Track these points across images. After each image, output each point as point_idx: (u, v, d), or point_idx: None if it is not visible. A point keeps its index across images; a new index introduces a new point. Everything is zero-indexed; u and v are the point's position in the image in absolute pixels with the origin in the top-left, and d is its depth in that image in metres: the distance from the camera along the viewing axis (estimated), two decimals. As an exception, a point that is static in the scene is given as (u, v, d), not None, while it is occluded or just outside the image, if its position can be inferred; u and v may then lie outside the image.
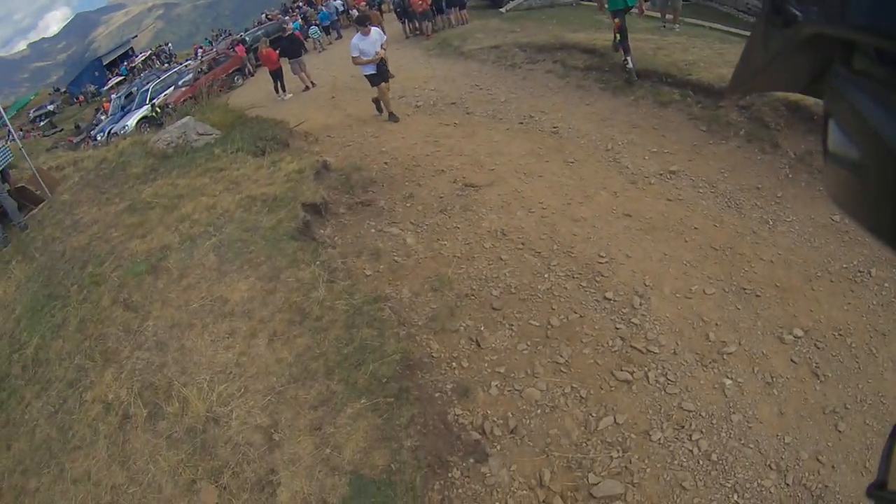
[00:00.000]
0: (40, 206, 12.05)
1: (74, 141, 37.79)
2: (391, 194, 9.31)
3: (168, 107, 28.89)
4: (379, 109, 13.92)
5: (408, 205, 8.93)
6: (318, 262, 7.02)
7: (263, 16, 51.43)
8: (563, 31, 17.20)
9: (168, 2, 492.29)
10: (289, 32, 25.61)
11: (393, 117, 13.26)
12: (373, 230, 8.36)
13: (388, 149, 11.28)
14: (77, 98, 63.62)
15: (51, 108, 62.66)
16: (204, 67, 32.04)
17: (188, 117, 12.84)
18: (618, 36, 12.37)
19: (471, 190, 9.12)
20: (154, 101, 31.08)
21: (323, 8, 35.87)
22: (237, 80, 31.11)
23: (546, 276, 7.02)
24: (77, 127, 44.63)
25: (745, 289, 6.61)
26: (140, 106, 32.30)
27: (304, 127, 13.62)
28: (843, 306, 6.32)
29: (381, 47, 12.82)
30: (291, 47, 22.36)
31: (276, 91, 22.43)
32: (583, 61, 13.62)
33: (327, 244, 7.85)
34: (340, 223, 8.55)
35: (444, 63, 18.06)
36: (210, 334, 6.45)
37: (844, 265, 6.81)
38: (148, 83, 36.15)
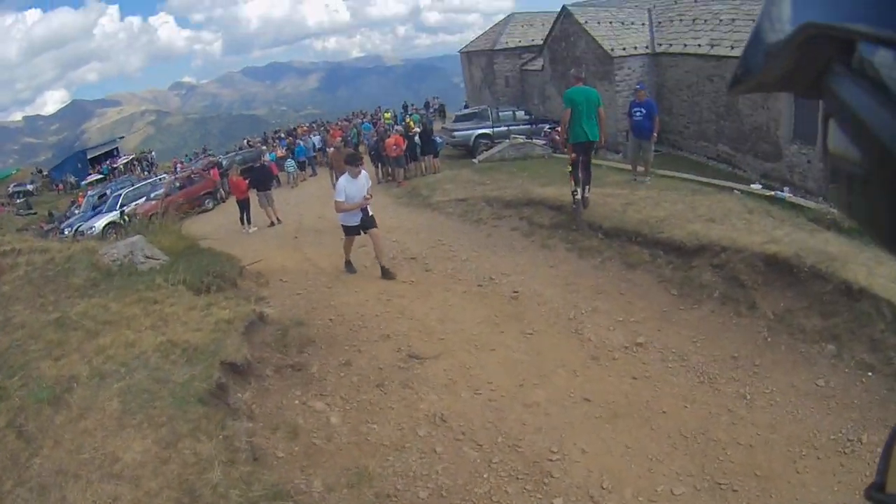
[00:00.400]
0: None
1: (45, 228, 38.29)
2: (327, 359, 8.59)
3: (136, 217, 28.75)
4: (349, 266, 12.94)
5: (342, 374, 8.20)
6: (221, 436, 6.17)
7: (245, 141, 52.43)
8: (533, 184, 17.22)
9: (161, 110, 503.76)
10: (260, 163, 25.64)
11: (387, 273, 12.11)
12: (297, 401, 7.55)
13: (337, 303, 10.70)
14: (57, 185, 63.84)
15: (30, 187, 62.89)
16: (176, 185, 32.41)
17: (138, 236, 12.31)
18: (570, 167, 12.51)
19: (415, 362, 8.42)
20: (124, 208, 31.62)
21: (301, 142, 36.29)
22: (208, 203, 31.48)
23: (486, 475, 6.20)
24: (50, 214, 45.00)
25: (720, 483, 5.83)
26: (110, 210, 32.99)
27: (258, 266, 13.25)
28: (834, 486, 5.64)
29: (368, 193, 12.01)
30: (262, 179, 22.30)
31: (242, 222, 22.17)
32: (549, 218, 13.44)
33: (242, 412, 7.02)
34: (263, 388, 7.78)
35: (411, 214, 18.02)
36: (92, 494, 5.57)
37: (832, 436, 6.14)
38: (122, 188, 36.87)
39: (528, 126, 32.47)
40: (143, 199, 32.37)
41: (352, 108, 79.69)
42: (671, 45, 29.77)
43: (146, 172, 56.31)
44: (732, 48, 24.97)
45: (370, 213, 12.05)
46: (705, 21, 28.57)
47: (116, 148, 77.50)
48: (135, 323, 8.63)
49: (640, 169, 17.43)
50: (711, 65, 26.54)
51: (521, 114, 34.09)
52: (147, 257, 11.48)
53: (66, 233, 33.40)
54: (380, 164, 26.82)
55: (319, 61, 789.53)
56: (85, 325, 8.74)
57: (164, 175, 42.84)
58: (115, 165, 64.63)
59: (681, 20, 30.63)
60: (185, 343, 7.79)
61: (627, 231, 11.28)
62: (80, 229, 32.50)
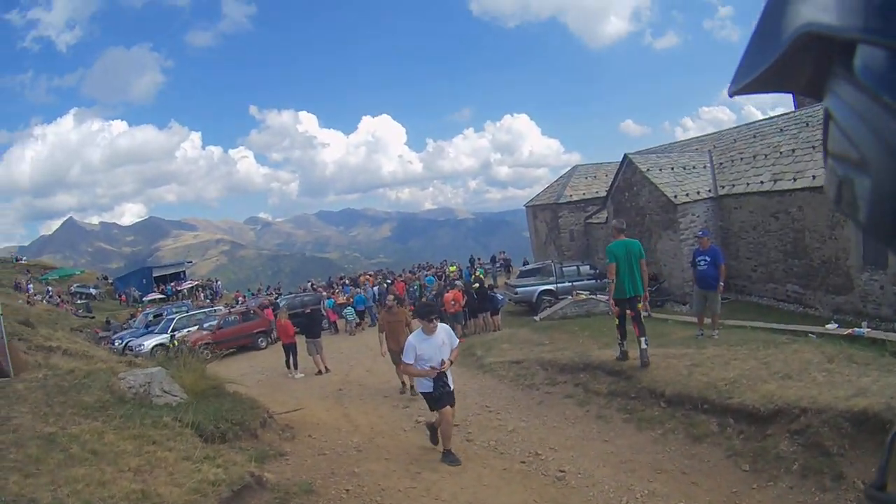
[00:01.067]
0: None
1: (100, 335, 38.52)
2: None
3: (185, 344, 28.59)
4: (433, 439, 10.68)
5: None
6: None
7: (310, 284, 52.09)
8: (593, 345, 16.35)
9: (235, 241, 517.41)
10: (309, 309, 24.88)
11: (450, 457, 9.91)
12: None
13: (361, 470, 9.45)
14: (120, 295, 64.75)
15: (93, 291, 64.00)
16: (230, 318, 32.03)
17: (159, 369, 11.52)
18: (616, 321, 12.08)
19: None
20: (176, 332, 31.58)
21: (360, 291, 35.67)
22: (260, 341, 30.95)
23: None
24: (108, 322, 44.88)
25: None
26: (162, 332, 32.86)
27: (292, 416, 12.41)
28: None
29: (451, 355, 9.80)
30: (310, 325, 21.60)
31: (288, 367, 21.56)
32: (606, 385, 12.11)
33: None
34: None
35: (462, 375, 16.54)
36: None
37: None
38: (177, 313, 37.19)
39: (593, 281, 31.21)
40: (196, 327, 32.31)
41: (423, 258, 79.52)
42: (734, 185, 28.95)
43: (209, 300, 56.68)
44: (795, 180, 24.43)
45: (449, 384, 9.86)
46: (766, 156, 28.03)
47: (184, 272, 78.92)
48: (121, 460, 7.65)
49: (708, 322, 16.09)
50: (775, 201, 25.74)
51: (585, 268, 32.87)
52: (164, 391, 10.65)
53: (117, 344, 33.48)
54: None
55: (393, 211, 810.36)
56: (72, 448, 7.81)
57: (221, 307, 42.78)
58: (179, 288, 65.60)
59: (741, 158, 30.04)
60: (157, 499, 6.69)
61: (693, 397, 9.95)
62: (129, 344, 32.48)
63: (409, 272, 48.08)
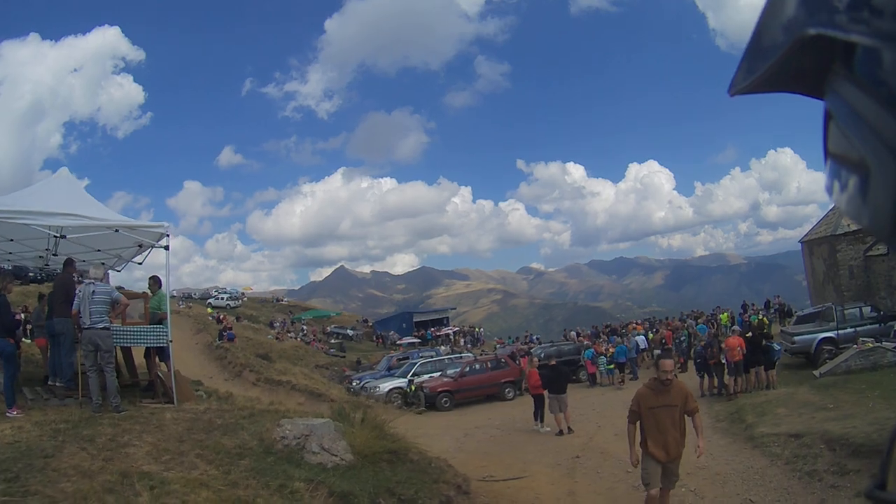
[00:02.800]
0: (156, 402, 11.55)
1: (346, 373, 38.95)
2: None
3: (423, 390, 27.59)
4: None
5: None
6: None
7: (573, 333, 48.54)
8: (885, 409, 13.15)
9: (508, 290, 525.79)
10: (554, 362, 21.08)
11: None
12: None
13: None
14: (378, 338, 66.11)
15: (350, 332, 65.66)
16: (476, 367, 29.63)
17: (326, 421, 9.60)
18: None
19: None
20: (414, 377, 30.03)
21: (623, 341, 31.80)
22: (507, 391, 28.29)
23: None
24: (358, 362, 45.32)
25: None
26: (403, 375, 31.31)
27: (505, 486, 10.83)
28: None
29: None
30: (553, 379, 18.73)
31: (535, 418, 19.17)
32: None
33: None
34: None
35: (725, 449, 13.51)
36: None
37: None
38: (423, 358, 35.58)
39: (876, 325, 25.37)
40: (439, 373, 30.20)
41: (696, 306, 74.26)
42: None
43: (469, 346, 55.50)
44: None
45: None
46: None
47: (447, 318, 79.62)
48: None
49: None
50: None
51: (867, 310, 26.88)
52: (323, 448, 8.65)
53: (355, 384, 32.85)
54: (705, 375, 22.66)
55: (665, 258, 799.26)
56: (140, 497, 6.41)
57: (469, 354, 40.76)
58: (438, 334, 65.36)
59: None
60: None
61: None
62: (366, 385, 31.49)
63: (679, 320, 42.99)
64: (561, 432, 17.56)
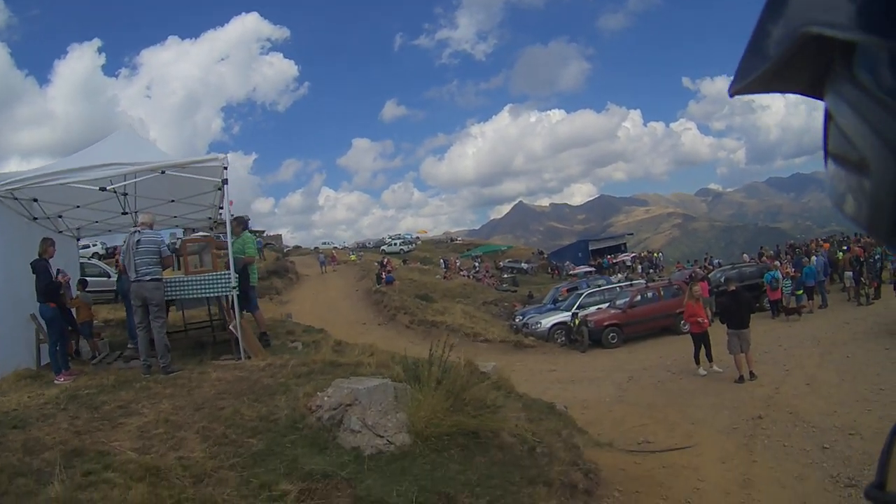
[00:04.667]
0: (227, 360, 10.71)
1: (518, 309, 35.98)
2: None
3: (588, 324, 24.19)
4: None
5: None
6: None
7: (757, 253, 42.68)
8: None
9: (688, 213, 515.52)
10: (734, 287, 16.59)
11: None
12: None
13: None
14: (554, 269, 63.93)
15: (525, 266, 64.52)
16: (648, 295, 25.76)
17: (383, 381, 7.30)
18: None
19: None
20: (579, 311, 26.37)
21: (810, 262, 26.86)
22: (683, 324, 21.15)
23: None
24: (530, 296, 43.30)
25: None
26: (568, 308, 28.00)
27: (659, 460, 9.08)
28: None
29: None
30: (732, 309, 15.31)
31: (696, 360, 16.20)
32: None
33: None
34: None
35: None
36: None
37: None
38: (593, 287, 32.26)
39: None
40: (608, 304, 26.70)
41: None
42: None
43: (647, 273, 51.30)
44: None
45: None
46: None
47: (624, 244, 76.41)
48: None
49: None
50: None
51: None
52: (365, 426, 6.48)
53: (517, 320, 30.68)
54: None
55: None
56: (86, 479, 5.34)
57: (641, 281, 36.12)
58: (615, 261, 62.16)
59: None
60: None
61: None
62: (528, 321, 28.91)
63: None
64: (742, 378, 14.35)
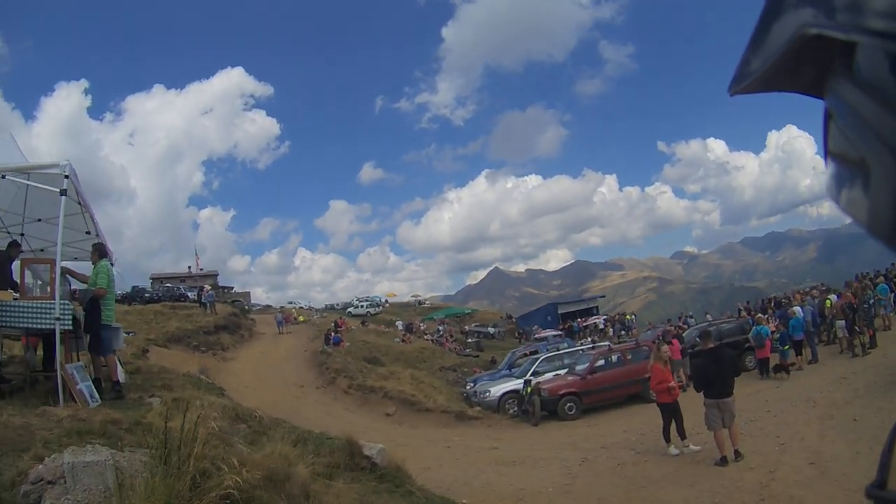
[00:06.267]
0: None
1: (476, 374, 33.07)
2: None
3: (541, 393, 20.68)
4: None
5: None
6: None
7: (740, 308, 39.23)
8: None
9: (663, 277, 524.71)
10: (713, 344, 13.56)
11: None
12: None
13: None
14: (519, 334, 62.06)
15: (492, 330, 62.30)
16: (612, 359, 22.37)
17: (107, 457, 5.53)
18: None
19: None
20: (532, 377, 23.01)
21: (798, 313, 23.49)
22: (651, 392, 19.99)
23: None
24: (492, 362, 40.59)
25: None
26: (522, 374, 24.44)
27: None
28: None
29: None
30: (714, 372, 11.90)
31: (665, 437, 13.05)
32: None
33: None
34: None
35: None
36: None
37: None
38: (552, 351, 28.74)
39: None
40: (566, 371, 23.36)
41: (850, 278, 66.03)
42: None
43: (618, 336, 49.19)
44: None
45: None
46: None
47: (596, 307, 74.31)
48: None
49: None
50: None
51: None
52: None
53: (468, 388, 27.50)
54: None
55: (816, 229, 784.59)
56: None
57: (607, 343, 31.96)
58: (585, 324, 59.20)
59: None
60: None
61: None
62: (477, 390, 25.45)
63: (856, 280, 33.35)
64: (724, 459, 11.17)
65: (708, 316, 42.70)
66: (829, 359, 22.03)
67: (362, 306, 75.01)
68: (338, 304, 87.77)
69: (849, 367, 19.04)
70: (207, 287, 50.60)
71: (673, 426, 12.72)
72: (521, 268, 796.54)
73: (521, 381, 23.09)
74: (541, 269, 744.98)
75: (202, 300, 44.80)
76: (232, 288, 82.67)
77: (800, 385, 18.52)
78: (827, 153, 0.75)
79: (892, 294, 28.35)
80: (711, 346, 12.90)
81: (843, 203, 0.71)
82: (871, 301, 23.52)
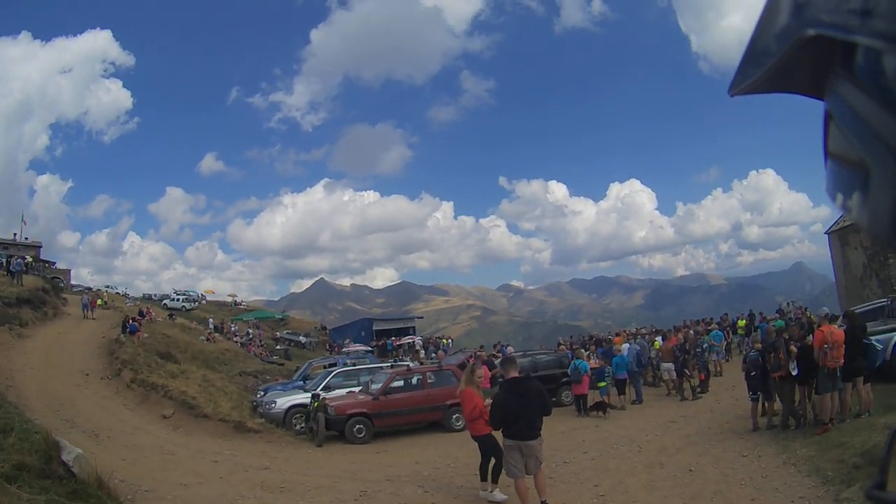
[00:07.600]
0: None
1: (281, 382, 30.05)
2: None
3: (327, 411, 18.61)
4: None
5: None
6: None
7: (562, 341, 38.07)
8: None
9: (487, 307, 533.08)
10: (514, 374, 10.60)
11: None
12: None
13: None
14: (333, 347, 58.80)
15: (303, 340, 60.33)
16: (411, 380, 20.56)
17: None
18: None
19: None
20: (321, 393, 20.80)
21: (617, 351, 22.51)
22: (456, 419, 18.59)
23: None
24: (296, 371, 36.79)
25: None
26: (314, 388, 22.07)
27: None
28: None
29: None
30: (518, 406, 9.96)
31: (481, 475, 11.24)
32: None
33: None
34: None
35: None
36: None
37: None
38: (347, 366, 26.98)
39: None
40: (359, 389, 21.70)
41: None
42: None
43: (430, 357, 48.06)
44: None
45: None
46: None
47: (413, 328, 72.44)
48: None
49: None
50: None
51: None
52: None
53: (258, 396, 25.04)
54: (761, 396, 14.54)
55: (645, 278, 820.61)
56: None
57: (409, 363, 31.48)
58: (399, 343, 58.20)
59: None
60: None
61: None
62: (265, 400, 23.11)
63: (684, 326, 32.91)
64: None
65: (510, 348, 42.17)
66: (654, 401, 21.62)
67: (178, 300, 72.39)
68: (155, 296, 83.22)
69: (678, 411, 18.48)
70: (25, 257, 47.08)
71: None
72: (346, 282, 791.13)
73: (308, 395, 20.94)
74: (366, 286, 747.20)
75: (10, 268, 41.20)
76: (54, 263, 78.65)
77: (622, 426, 17.38)
78: (827, 154, 0.74)
79: (726, 342, 29.68)
80: (515, 375, 10.48)
81: (841, 203, 0.70)
82: (706, 345, 23.39)
